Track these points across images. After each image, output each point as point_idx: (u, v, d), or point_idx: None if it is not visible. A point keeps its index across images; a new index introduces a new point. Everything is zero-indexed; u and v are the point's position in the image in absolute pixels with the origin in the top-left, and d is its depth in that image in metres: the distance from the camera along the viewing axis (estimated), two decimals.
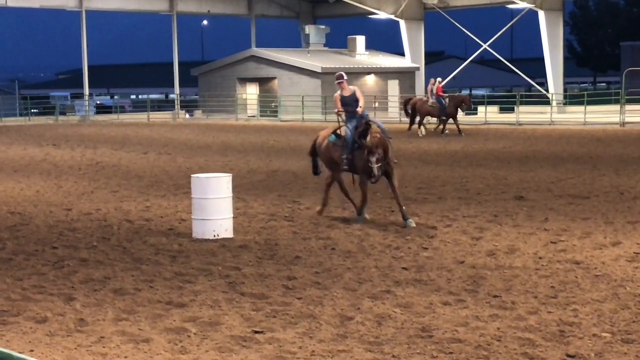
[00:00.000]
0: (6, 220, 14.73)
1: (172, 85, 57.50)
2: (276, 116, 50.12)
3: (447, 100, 34.09)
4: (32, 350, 7.36)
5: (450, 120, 34.68)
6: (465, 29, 53.04)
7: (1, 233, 13.45)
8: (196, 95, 62.71)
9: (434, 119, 36.13)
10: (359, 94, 14.22)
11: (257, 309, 8.72)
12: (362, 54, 55.32)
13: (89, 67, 54.13)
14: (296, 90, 51.47)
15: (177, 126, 45.46)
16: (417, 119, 34.59)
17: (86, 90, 54.35)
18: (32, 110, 56.40)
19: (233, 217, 13.16)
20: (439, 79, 35.02)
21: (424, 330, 7.87)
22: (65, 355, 7.30)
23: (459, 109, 34.30)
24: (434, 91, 34.28)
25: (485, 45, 53.55)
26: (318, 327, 8.02)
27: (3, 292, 9.57)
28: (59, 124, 49.23)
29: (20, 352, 6.27)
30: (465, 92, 40.32)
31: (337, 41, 58.08)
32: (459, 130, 34.14)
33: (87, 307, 8.85)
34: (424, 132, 34.60)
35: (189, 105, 59.88)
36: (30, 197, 17.84)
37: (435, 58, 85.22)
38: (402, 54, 56.94)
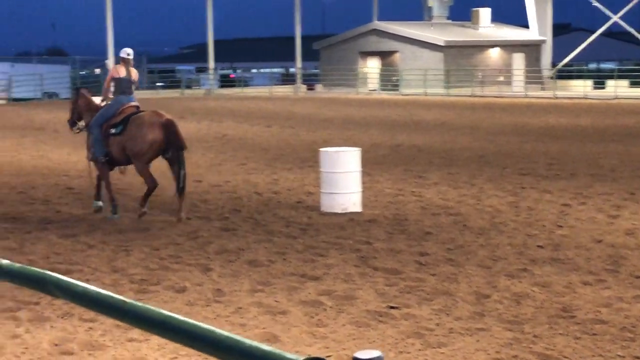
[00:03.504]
0: (139, 191, 15.07)
1: (293, 59, 57.84)
2: (397, 90, 49.81)
3: None
4: None
5: None
6: (594, 1, 51.29)
7: (134, 203, 13.76)
8: (316, 69, 62.94)
9: None
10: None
11: (391, 284, 8.65)
12: (486, 27, 54.27)
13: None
14: (418, 64, 50.99)
15: (299, 100, 45.75)
16: None
17: (211, 64, 55.31)
18: (158, 84, 57.85)
19: (361, 192, 13.13)
20: None
21: (565, 311, 7.63)
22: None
23: None
24: None
25: (615, 18, 51.65)
26: (454, 304, 7.89)
27: (142, 261, 9.81)
28: (185, 97, 50.28)
29: None
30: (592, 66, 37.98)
31: (461, 14, 57.18)
32: None
33: (224, 278, 8.97)
34: None
35: (310, 79, 60.13)
36: (160, 168, 18.22)
37: (561, 31, 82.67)
38: (527, 26, 55.53)
